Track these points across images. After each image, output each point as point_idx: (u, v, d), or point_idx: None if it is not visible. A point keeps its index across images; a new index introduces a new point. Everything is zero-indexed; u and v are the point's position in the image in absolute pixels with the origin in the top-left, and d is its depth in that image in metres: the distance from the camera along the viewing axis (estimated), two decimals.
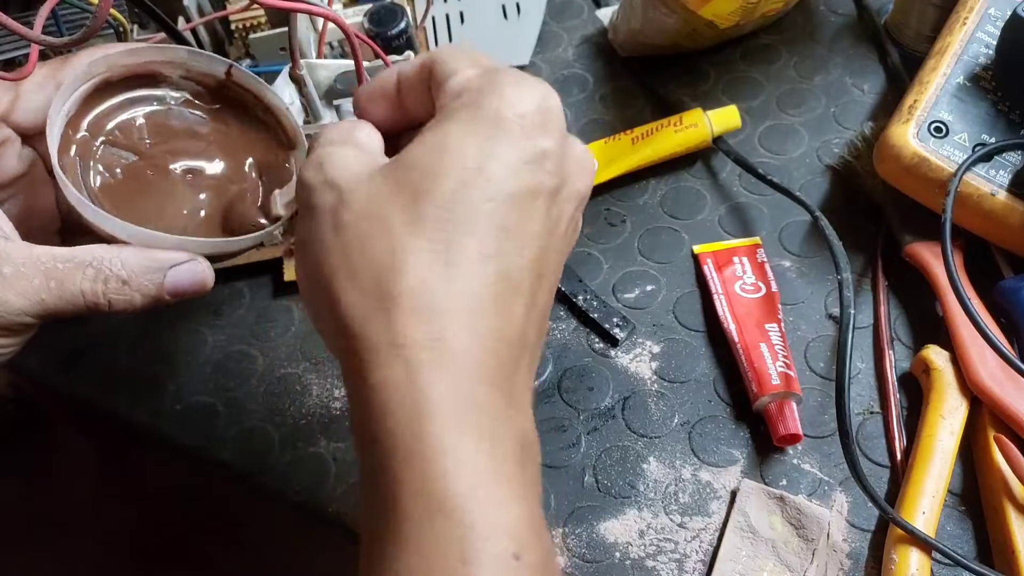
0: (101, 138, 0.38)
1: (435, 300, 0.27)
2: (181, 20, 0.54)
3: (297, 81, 0.45)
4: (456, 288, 0.27)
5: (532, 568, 0.25)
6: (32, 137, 0.38)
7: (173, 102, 0.40)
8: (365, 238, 0.28)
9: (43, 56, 0.63)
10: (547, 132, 0.29)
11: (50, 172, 0.38)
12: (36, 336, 0.35)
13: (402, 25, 0.52)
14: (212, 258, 0.36)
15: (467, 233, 0.28)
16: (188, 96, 0.40)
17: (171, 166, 0.38)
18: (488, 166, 0.28)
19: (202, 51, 0.39)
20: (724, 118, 0.55)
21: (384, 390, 0.27)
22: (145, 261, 0.34)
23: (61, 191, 0.37)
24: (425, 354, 0.27)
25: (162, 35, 0.55)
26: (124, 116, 0.39)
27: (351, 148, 0.31)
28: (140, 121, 0.39)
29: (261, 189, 0.39)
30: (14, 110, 0.36)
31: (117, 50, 0.37)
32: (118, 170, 0.38)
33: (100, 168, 0.37)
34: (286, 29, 0.42)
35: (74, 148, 0.37)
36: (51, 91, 0.36)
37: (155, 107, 0.39)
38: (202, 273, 0.35)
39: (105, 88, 0.38)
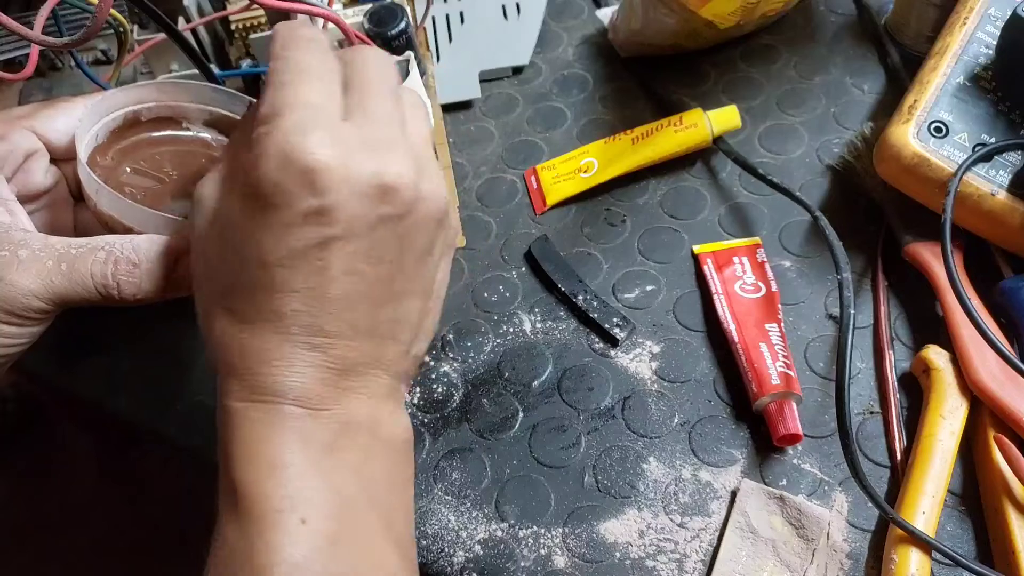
0: (126, 166, 0.39)
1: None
2: (181, 20, 0.54)
3: None
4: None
5: (322, 534, 0.28)
6: (59, 160, 0.39)
7: (195, 145, 0.42)
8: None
9: (43, 56, 0.63)
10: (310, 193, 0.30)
11: (72, 193, 0.40)
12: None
13: (402, 25, 0.52)
14: None
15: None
16: (210, 140, 0.42)
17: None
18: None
19: (225, 88, 0.42)
20: (724, 118, 0.55)
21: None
22: (157, 246, 0.35)
23: (79, 213, 0.39)
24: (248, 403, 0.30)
25: (162, 35, 0.55)
26: (149, 151, 0.41)
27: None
28: (164, 157, 0.40)
29: None
30: (46, 126, 0.38)
31: (146, 84, 0.40)
32: (140, 196, 0.39)
33: (122, 190, 0.38)
34: None
35: (99, 171, 0.38)
36: (79, 115, 0.38)
37: (179, 147, 0.41)
38: None
39: (133, 124, 0.40)
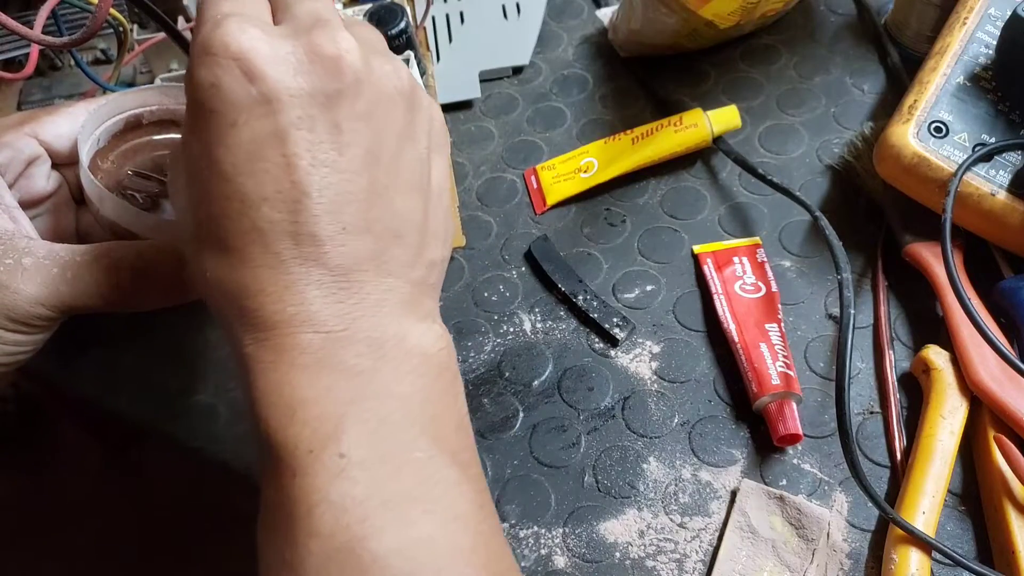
0: (128, 169, 0.39)
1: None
2: (181, 20, 0.54)
3: None
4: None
5: (361, 464, 0.26)
6: (61, 164, 0.39)
7: None
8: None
9: (43, 56, 0.63)
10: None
11: (74, 197, 0.40)
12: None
13: (402, 25, 0.52)
14: None
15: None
16: None
17: None
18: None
19: None
20: (724, 118, 0.55)
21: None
22: (161, 253, 0.35)
23: (82, 217, 0.39)
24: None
25: (162, 35, 0.55)
26: (152, 153, 0.40)
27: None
28: (166, 159, 0.40)
29: None
30: (48, 132, 0.38)
31: (148, 87, 0.39)
32: (140, 197, 0.38)
33: (124, 194, 0.38)
34: None
35: (101, 175, 0.38)
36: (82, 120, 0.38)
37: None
38: None
39: (135, 127, 0.40)
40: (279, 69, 0.28)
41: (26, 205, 0.38)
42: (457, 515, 0.27)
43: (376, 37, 0.32)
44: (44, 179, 0.38)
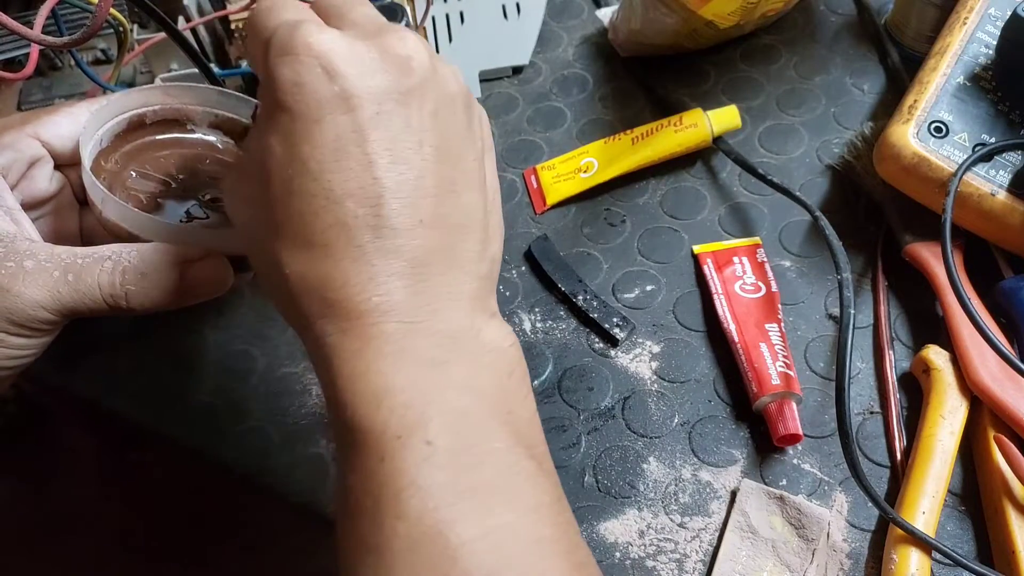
0: (131, 170, 0.39)
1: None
2: (181, 19, 0.54)
3: None
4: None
5: (447, 452, 0.27)
6: (63, 165, 0.39)
7: (201, 147, 0.41)
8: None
9: (43, 55, 0.63)
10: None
11: (77, 197, 0.40)
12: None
13: (402, 25, 0.52)
14: (240, 263, 0.36)
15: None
16: (216, 142, 0.41)
17: (198, 198, 0.39)
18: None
19: (231, 92, 0.41)
20: (724, 118, 0.55)
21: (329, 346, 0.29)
22: (164, 255, 0.34)
23: (84, 217, 0.38)
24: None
25: (162, 34, 0.55)
26: (155, 153, 0.40)
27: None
28: (170, 159, 0.40)
29: None
30: (50, 132, 0.38)
31: (151, 87, 0.39)
32: (143, 198, 0.38)
33: (128, 195, 0.38)
34: None
35: (104, 176, 0.38)
36: (84, 120, 0.38)
37: (185, 150, 0.41)
38: (221, 270, 0.35)
39: (138, 127, 0.40)
40: (357, 68, 0.29)
41: (28, 206, 0.38)
42: (537, 505, 0.28)
43: (427, 43, 0.33)
44: (46, 180, 0.38)
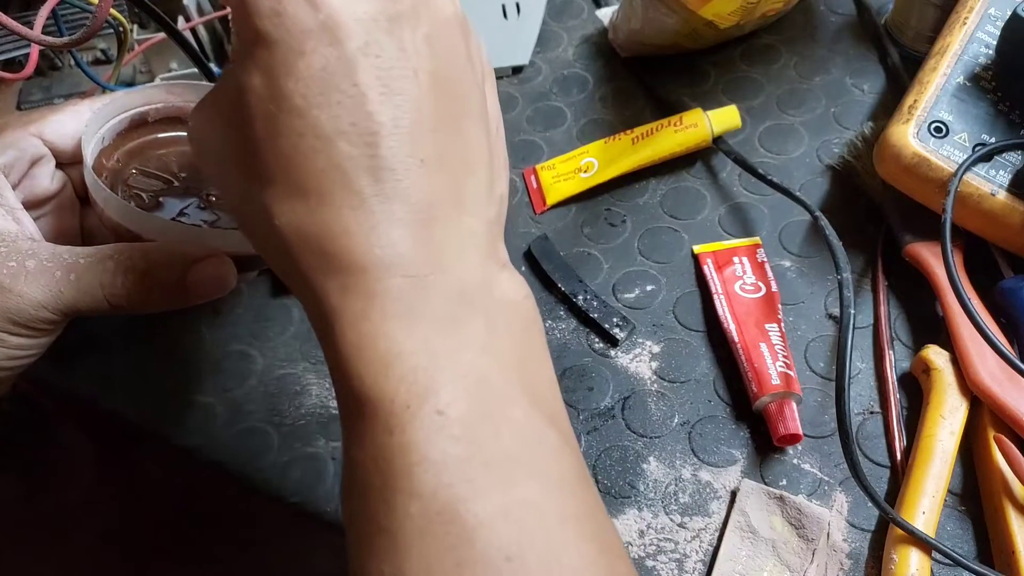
0: (133, 167, 0.39)
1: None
2: (181, 19, 0.54)
3: None
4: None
5: (461, 422, 0.25)
6: (65, 163, 0.39)
7: None
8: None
9: (43, 55, 0.63)
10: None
11: (79, 196, 0.40)
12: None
13: None
14: (242, 263, 0.36)
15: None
16: None
17: (200, 196, 0.39)
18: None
19: None
20: (724, 118, 0.55)
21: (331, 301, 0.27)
22: (166, 255, 0.34)
23: (86, 216, 0.38)
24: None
25: (162, 34, 0.55)
26: (157, 151, 0.40)
27: None
28: (172, 157, 0.40)
29: None
30: (52, 131, 0.38)
31: (153, 85, 0.39)
32: (145, 197, 0.38)
33: (130, 193, 0.38)
34: None
35: (106, 174, 0.38)
36: (86, 119, 0.37)
37: (187, 147, 0.41)
38: (224, 269, 0.35)
39: (141, 125, 0.39)
40: None
41: (30, 205, 0.38)
42: (562, 480, 0.26)
43: None
44: (48, 179, 0.38)
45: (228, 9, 0.55)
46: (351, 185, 0.26)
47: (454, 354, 0.26)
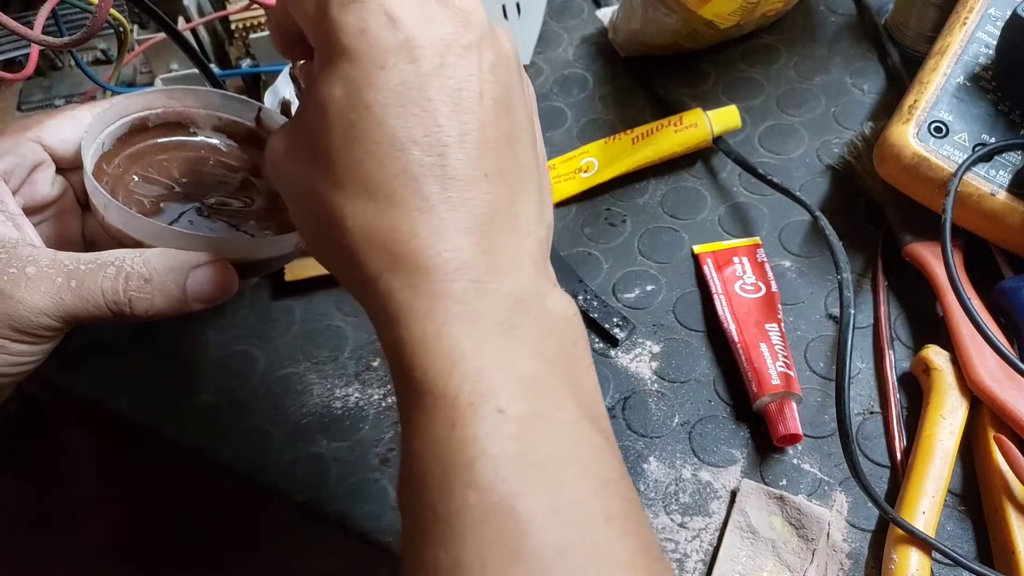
0: (134, 173, 0.39)
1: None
2: (181, 20, 0.54)
3: (298, 80, 0.45)
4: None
5: (518, 422, 0.26)
6: (65, 169, 0.39)
7: (204, 150, 0.41)
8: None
9: (43, 56, 0.63)
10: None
11: (79, 201, 0.40)
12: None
13: None
14: (244, 269, 0.36)
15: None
16: (220, 145, 0.41)
17: (201, 201, 0.39)
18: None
19: (234, 95, 0.41)
20: (724, 118, 0.55)
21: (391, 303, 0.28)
22: (168, 261, 0.34)
23: (87, 221, 0.38)
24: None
25: (162, 35, 0.55)
26: (157, 157, 0.40)
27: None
28: (173, 163, 0.40)
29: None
30: (52, 136, 0.37)
31: (154, 90, 0.39)
32: (146, 202, 0.38)
33: (130, 199, 0.38)
34: None
35: (106, 180, 0.38)
36: (86, 124, 0.37)
37: (188, 152, 0.41)
38: (226, 275, 0.35)
39: (141, 130, 0.39)
40: (421, 18, 0.29)
41: (30, 211, 0.37)
42: (606, 481, 0.27)
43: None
44: (48, 184, 0.38)
45: (228, 11, 0.55)
46: (421, 191, 0.28)
47: (513, 357, 0.27)
